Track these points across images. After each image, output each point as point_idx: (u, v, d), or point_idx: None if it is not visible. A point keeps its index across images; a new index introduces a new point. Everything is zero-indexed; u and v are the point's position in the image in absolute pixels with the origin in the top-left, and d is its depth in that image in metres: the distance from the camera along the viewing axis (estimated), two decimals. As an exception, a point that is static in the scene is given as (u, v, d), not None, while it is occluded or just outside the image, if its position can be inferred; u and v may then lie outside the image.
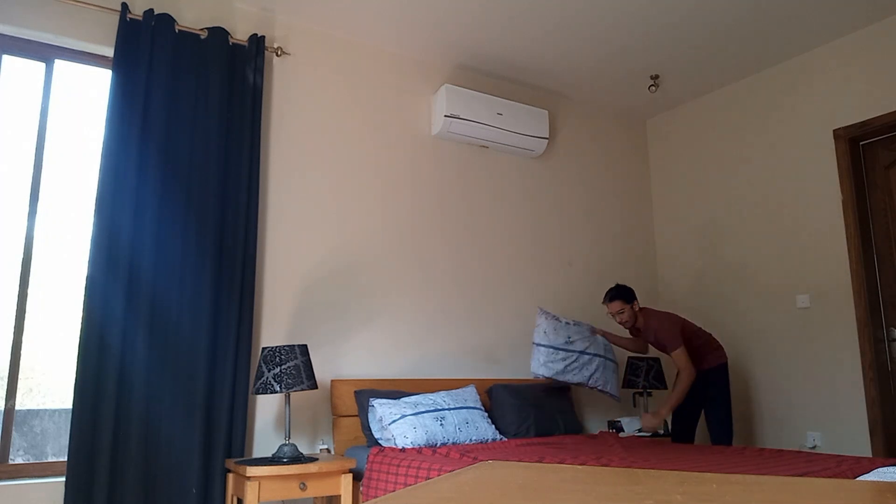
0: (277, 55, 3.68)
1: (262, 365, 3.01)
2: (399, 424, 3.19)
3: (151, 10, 3.23)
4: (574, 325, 3.85)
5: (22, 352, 2.95)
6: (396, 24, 3.85)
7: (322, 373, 3.53)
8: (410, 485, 1.96)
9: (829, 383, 3.90)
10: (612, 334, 4.04)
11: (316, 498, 3.32)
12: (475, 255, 4.21)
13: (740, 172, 4.52)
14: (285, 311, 3.48)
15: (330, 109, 3.83)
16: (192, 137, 3.27)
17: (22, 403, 3.00)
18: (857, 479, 2.14)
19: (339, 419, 3.45)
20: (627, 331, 4.08)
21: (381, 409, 3.26)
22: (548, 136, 4.43)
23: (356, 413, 3.49)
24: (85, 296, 2.88)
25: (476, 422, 3.41)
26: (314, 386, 3.03)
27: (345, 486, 2.93)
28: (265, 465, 2.76)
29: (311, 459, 2.94)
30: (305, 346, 3.10)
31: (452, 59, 4.25)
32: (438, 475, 1.58)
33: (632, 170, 5.12)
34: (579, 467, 1.22)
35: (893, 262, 3.77)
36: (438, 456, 2.95)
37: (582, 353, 3.75)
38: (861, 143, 3.95)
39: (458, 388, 3.77)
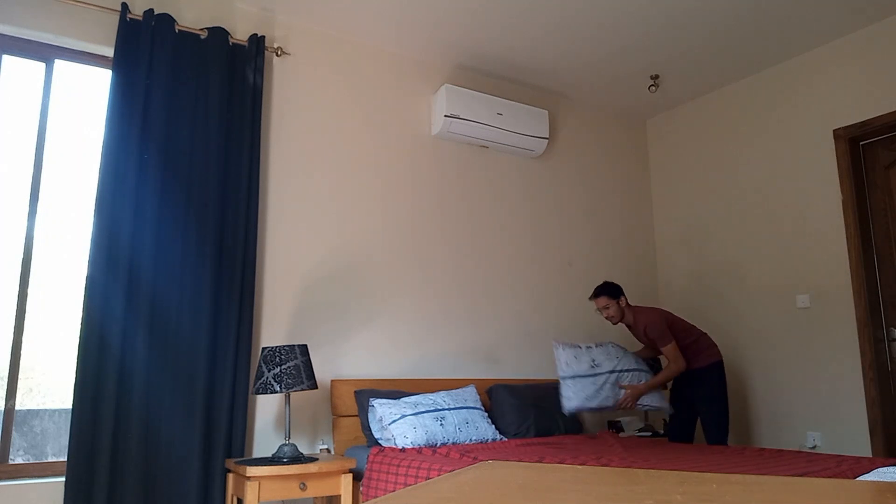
0: (277, 55, 3.68)
1: (262, 365, 3.01)
2: (399, 424, 3.19)
3: (151, 10, 3.23)
4: (596, 346, 3.75)
5: (22, 352, 2.95)
6: (396, 24, 3.85)
7: (322, 373, 3.53)
8: (410, 485, 1.96)
9: (829, 383, 3.91)
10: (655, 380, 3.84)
11: (316, 498, 3.32)
12: (475, 255, 4.21)
13: (740, 172, 4.52)
14: (285, 311, 3.48)
15: (330, 109, 3.83)
16: (192, 137, 3.27)
17: (22, 403, 3.00)
18: (857, 479, 2.14)
19: (339, 419, 3.45)
20: (642, 345, 4.05)
21: (381, 409, 3.26)
22: (548, 136, 4.43)
23: (356, 413, 3.49)
24: (85, 296, 2.88)
25: (476, 422, 3.41)
26: (314, 386, 3.03)
27: (345, 486, 2.93)
28: (265, 465, 2.76)
29: (311, 459, 2.94)
30: (305, 346, 3.10)
31: (452, 59, 4.25)
32: (438, 475, 1.58)
33: (632, 170, 5.12)
34: (579, 467, 1.22)
35: (893, 262, 3.77)
36: (438, 456, 2.95)
37: (611, 372, 3.62)
38: (861, 143, 3.95)
39: (458, 388, 3.77)
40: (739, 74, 4.49)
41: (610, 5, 3.66)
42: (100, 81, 3.38)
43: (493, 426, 3.55)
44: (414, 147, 4.11)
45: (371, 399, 3.36)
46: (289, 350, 3.02)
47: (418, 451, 3.06)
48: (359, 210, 3.83)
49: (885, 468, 2.43)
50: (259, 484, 2.75)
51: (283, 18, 3.76)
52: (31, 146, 3.13)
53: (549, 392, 4.00)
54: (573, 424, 3.95)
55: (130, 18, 3.20)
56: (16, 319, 2.96)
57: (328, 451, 3.32)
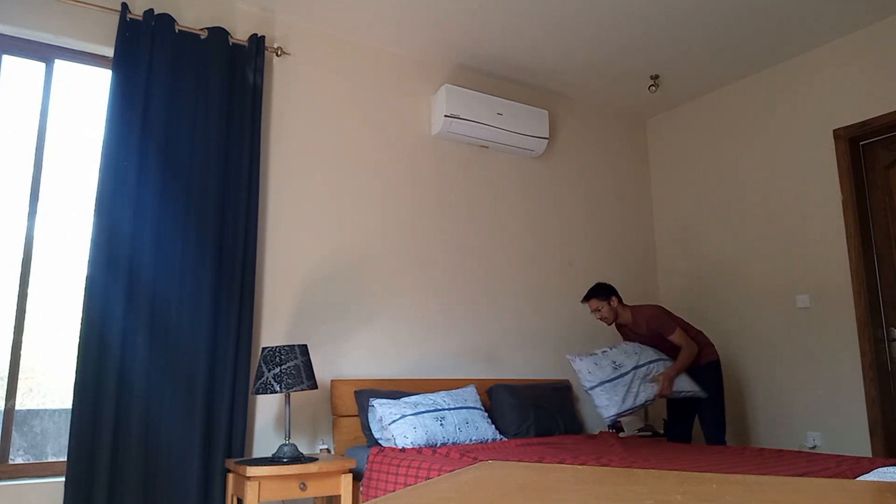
0: (277, 55, 3.68)
1: (262, 365, 3.01)
2: (399, 424, 3.19)
3: (151, 10, 3.23)
4: (612, 348, 3.68)
5: (22, 352, 2.95)
6: (396, 24, 3.85)
7: (322, 373, 3.53)
8: (410, 485, 1.96)
9: (829, 383, 3.91)
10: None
11: (316, 498, 3.32)
12: (475, 255, 4.21)
13: (740, 172, 4.52)
14: (285, 311, 3.48)
15: (330, 109, 3.83)
16: (192, 137, 3.27)
17: (22, 403, 3.00)
18: (857, 479, 2.14)
19: (339, 419, 3.45)
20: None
21: (381, 409, 3.26)
22: (548, 136, 4.43)
23: (356, 413, 3.49)
24: (85, 296, 2.88)
25: (476, 422, 3.41)
26: (314, 386, 3.03)
27: (345, 486, 2.93)
28: (265, 465, 2.76)
29: (311, 459, 2.94)
30: (305, 346, 3.10)
31: (452, 59, 4.25)
32: (438, 475, 1.58)
33: (632, 170, 5.12)
34: (579, 467, 1.22)
35: (893, 262, 3.77)
36: (438, 456, 2.95)
37: (636, 368, 3.53)
38: (861, 143, 3.95)
39: (458, 388, 3.77)
40: (739, 74, 4.49)
41: (610, 5, 3.66)
42: (100, 81, 3.38)
43: (493, 426, 3.55)
44: (414, 147, 4.11)
45: (371, 399, 3.36)
46: (289, 350, 3.02)
47: (418, 451, 3.06)
48: (359, 210, 3.83)
49: (885, 468, 2.43)
50: (259, 484, 2.75)
51: (283, 18, 3.76)
52: (31, 146, 3.13)
53: (548, 392, 4.00)
54: (573, 424, 3.95)
55: (130, 18, 3.20)
56: (16, 319, 2.96)
57: (328, 451, 3.32)
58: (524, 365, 4.27)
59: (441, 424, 3.28)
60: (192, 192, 3.23)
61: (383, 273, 3.84)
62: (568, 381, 4.31)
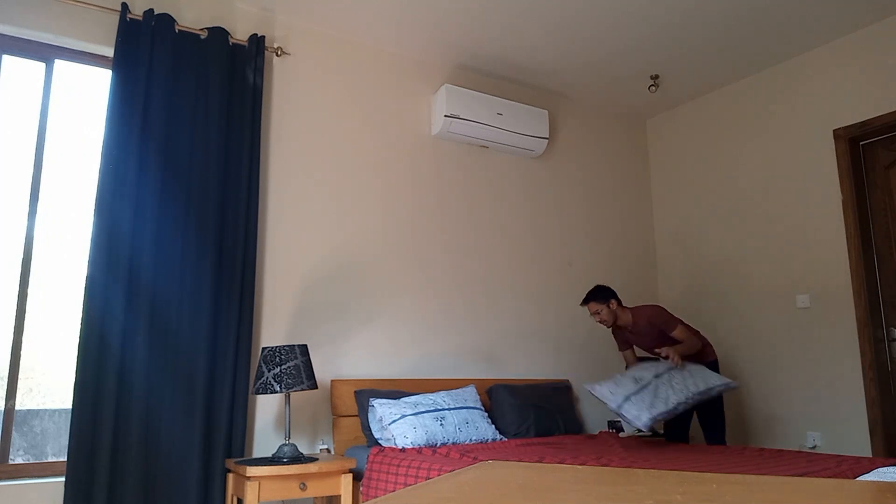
0: (277, 55, 3.68)
1: (262, 365, 3.01)
2: (399, 424, 3.19)
3: (151, 10, 3.23)
4: (627, 368, 3.63)
5: (22, 352, 2.95)
6: (396, 24, 3.85)
7: (322, 373, 3.53)
8: (410, 485, 1.96)
9: (829, 383, 3.90)
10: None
11: (316, 498, 3.32)
12: (475, 255, 4.21)
13: (740, 172, 4.52)
14: (285, 311, 3.48)
15: (330, 109, 3.83)
16: (192, 137, 3.27)
17: (22, 403, 3.00)
18: (857, 479, 2.14)
19: (339, 419, 3.45)
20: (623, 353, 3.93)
21: (381, 409, 3.26)
22: (548, 136, 4.43)
23: (356, 413, 3.49)
24: (85, 296, 2.88)
25: (476, 422, 3.41)
26: (314, 386, 3.03)
27: (345, 486, 2.93)
28: (265, 465, 2.76)
29: (311, 459, 2.94)
30: (305, 346, 3.10)
31: (452, 59, 4.25)
32: (438, 475, 1.58)
33: (632, 170, 5.12)
34: (579, 467, 1.22)
35: (893, 262, 3.77)
36: (438, 456, 2.95)
37: (657, 376, 3.42)
38: (861, 143, 3.95)
39: (458, 388, 3.77)
40: (739, 74, 4.49)
41: (610, 5, 3.66)
42: (100, 81, 3.38)
43: (493, 426, 3.55)
44: (414, 147, 4.11)
45: (371, 399, 3.36)
46: (289, 350, 3.02)
47: (418, 451, 3.06)
48: (359, 210, 3.83)
49: (885, 468, 2.43)
50: (259, 484, 2.75)
51: (283, 18, 3.76)
52: (31, 146, 3.13)
53: (548, 392, 4.00)
54: (573, 424, 3.95)
55: (130, 18, 3.20)
56: (16, 319, 2.96)
57: (328, 451, 3.32)
58: (524, 365, 4.27)
59: (441, 424, 3.28)
60: (192, 192, 3.23)
61: (383, 273, 3.84)
62: (568, 381, 4.31)
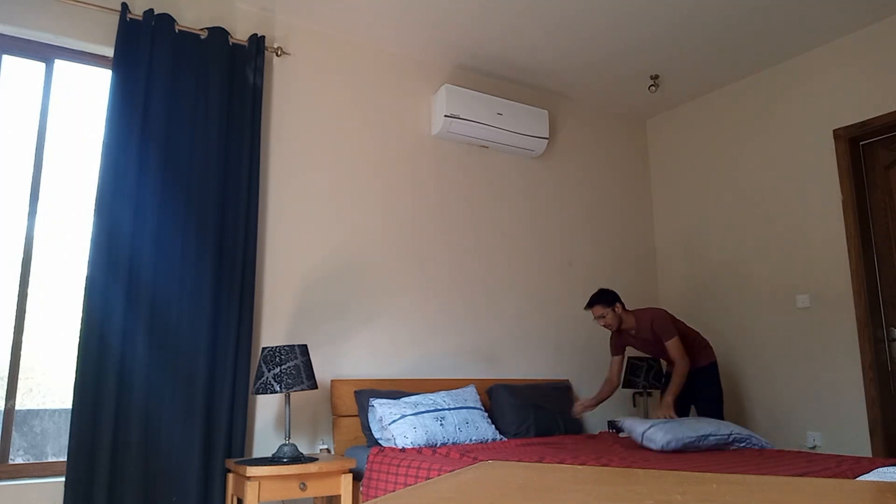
0: (277, 55, 3.68)
1: (262, 365, 3.01)
2: (399, 424, 3.19)
3: (151, 10, 3.23)
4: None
5: (22, 352, 2.95)
6: (396, 24, 3.85)
7: (322, 373, 3.53)
8: (410, 485, 1.96)
9: (829, 383, 3.90)
10: (591, 399, 3.79)
11: (316, 498, 3.32)
12: (475, 255, 4.21)
13: (740, 172, 4.52)
14: (285, 311, 3.48)
15: (330, 109, 3.83)
16: (192, 137, 3.27)
17: (22, 403, 3.00)
18: (857, 479, 2.14)
19: (339, 419, 3.45)
20: (603, 388, 3.84)
21: (381, 409, 3.26)
22: (548, 136, 4.43)
23: (356, 413, 3.49)
24: (85, 296, 2.88)
25: (476, 422, 3.41)
26: (314, 386, 3.03)
27: (345, 486, 2.93)
28: (265, 465, 2.76)
29: (311, 459, 2.94)
30: (305, 346, 3.10)
31: (452, 59, 4.25)
32: (438, 475, 1.58)
33: (632, 170, 5.12)
34: (579, 467, 1.22)
35: (893, 262, 3.77)
36: (438, 456, 2.95)
37: (683, 419, 3.25)
38: (861, 143, 3.95)
39: (458, 388, 3.77)
40: (739, 74, 4.49)
41: (610, 5, 3.66)
42: (100, 81, 3.38)
43: (493, 426, 3.55)
44: (414, 147, 4.11)
45: (371, 399, 3.36)
46: (289, 350, 3.02)
47: (418, 451, 3.06)
48: (359, 210, 3.83)
49: (885, 468, 2.43)
50: (259, 484, 2.75)
51: (283, 18, 3.76)
52: (31, 146, 3.13)
53: (548, 392, 4.00)
54: (573, 424, 3.95)
55: (130, 18, 3.20)
56: (16, 319, 2.96)
57: (328, 451, 3.32)
58: (524, 365, 4.27)
59: (441, 424, 3.28)
60: (192, 192, 3.23)
61: (383, 273, 3.84)
62: (568, 381, 4.31)
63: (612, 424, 4.16)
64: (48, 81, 3.19)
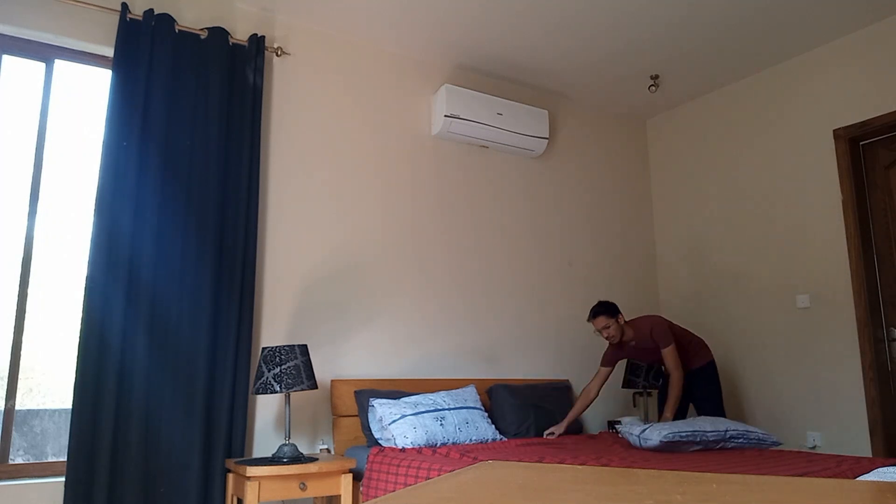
0: (277, 55, 3.68)
1: (262, 365, 3.01)
2: (399, 424, 3.19)
3: (151, 10, 3.23)
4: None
5: (22, 352, 2.95)
6: (396, 24, 3.85)
7: (322, 373, 3.53)
8: (410, 485, 1.96)
9: (829, 383, 3.90)
10: (563, 422, 3.72)
11: (316, 498, 3.32)
12: (475, 255, 4.21)
13: (740, 172, 4.52)
14: (285, 311, 3.48)
15: (330, 109, 3.83)
16: (192, 137, 3.27)
17: (22, 403, 3.00)
18: (857, 479, 2.14)
19: (339, 419, 3.45)
20: (577, 403, 3.79)
21: (381, 409, 3.26)
22: (548, 136, 4.43)
23: (356, 413, 3.49)
24: (85, 296, 2.88)
25: (476, 422, 3.41)
26: (314, 386, 3.03)
27: (345, 486, 2.93)
28: (265, 465, 2.76)
29: (311, 459, 2.94)
30: (305, 346, 3.10)
31: (452, 59, 4.25)
32: (438, 475, 1.58)
33: (632, 170, 5.12)
34: (579, 467, 1.22)
35: (893, 262, 3.77)
36: (438, 456, 2.95)
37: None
38: (861, 143, 3.95)
39: (458, 388, 3.77)
40: (739, 74, 4.49)
41: (610, 5, 3.66)
42: (100, 81, 3.38)
43: (493, 426, 3.55)
44: (414, 147, 4.11)
45: (371, 399, 3.36)
46: (289, 350, 3.02)
47: (418, 451, 3.06)
48: (359, 210, 3.83)
49: (885, 468, 2.43)
50: (259, 484, 2.75)
51: (283, 18, 3.76)
52: (31, 146, 3.13)
53: (548, 392, 4.00)
54: (573, 424, 3.95)
55: (130, 18, 3.20)
56: (16, 319, 2.96)
57: (328, 451, 3.32)
58: (524, 365, 4.27)
59: (441, 424, 3.28)
60: (192, 192, 3.23)
61: (383, 273, 3.84)
62: (568, 381, 4.31)
63: (612, 424, 4.16)
64: (48, 81, 3.19)
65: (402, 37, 3.99)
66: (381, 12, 3.72)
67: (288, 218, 3.58)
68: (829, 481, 1.05)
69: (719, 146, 4.68)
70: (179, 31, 3.32)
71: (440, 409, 3.36)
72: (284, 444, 2.94)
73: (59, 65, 3.25)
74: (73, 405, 2.80)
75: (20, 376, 2.94)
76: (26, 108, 3.17)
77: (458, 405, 3.45)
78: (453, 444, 3.27)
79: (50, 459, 3.02)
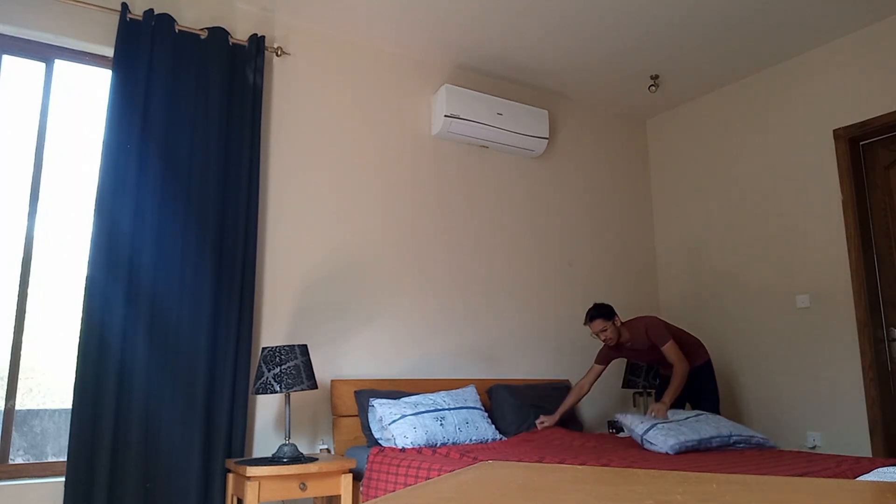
0: (277, 55, 3.68)
1: (262, 365, 3.01)
2: (399, 424, 3.19)
3: (151, 10, 3.23)
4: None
5: (22, 352, 2.95)
6: (396, 24, 3.85)
7: (322, 373, 3.53)
8: (410, 485, 1.96)
9: (829, 383, 3.90)
10: (555, 413, 3.71)
11: (316, 498, 3.32)
12: (475, 255, 4.21)
13: (740, 172, 4.52)
14: (285, 311, 3.48)
15: (330, 109, 3.83)
16: (192, 137, 3.27)
17: (22, 403, 3.00)
18: (857, 479, 2.14)
19: (339, 419, 3.45)
20: (569, 396, 3.77)
21: (381, 409, 3.26)
22: (548, 136, 4.43)
23: (356, 413, 3.49)
24: (85, 296, 2.88)
25: (476, 422, 3.41)
26: (314, 386, 3.03)
27: (345, 486, 2.93)
28: (265, 465, 2.76)
29: (311, 459, 2.94)
30: (305, 346, 3.10)
31: (452, 59, 4.25)
32: (438, 475, 1.58)
33: (632, 170, 5.12)
34: (579, 467, 1.22)
35: (893, 262, 3.77)
36: (438, 456, 2.95)
37: (687, 419, 3.23)
38: (861, 143, 3.95)
39: (458, 388, 3.77)
40: (739, 74, 4.49)
41: (610, 5, 3.66)
42: (100, 81, 3.38)
43: (493, 426, 3.55)
44: (414, 147, 4.11)
45: (371, 399, 3.35)
46: (289, 350, 3.02)
47: (418, 451, 3.06)
48: (359, 210, 3.83)
49: (885, 468, 2.43)
50: (259, 484, 2.75)
51: (283, 18, 3.76)
52: (31, 146, 3.13)
53: (548, 392, 4.00)
54: (573, 424, 3.95)
55: (130, 18, 3.20)
56: (16, 319, 2.96)
57: (328, 451, 3.32)
58: (524, 365, 4.27)
59: (441, 424, 3.28)
60: (192, 192, 3.23)
61: (383, 273, 3.84)
62: (568, 381, 4.31)
63: (612, 424, 4.16)
64: (48, 81, 3.19)
65: (402, 37, 3.99)
66: (381, 12, 3.72)
67: (288, 218, 3.58)
68: (829, 481, 1.05)
69: (719, 146, 4.68)
70: (179, 31, 3.32)
71: (440, 409, 3.36)
72: (284, 444, 2.94)
73: (59, 65, 3.25)
74: (73, 405, 2.80)
75: (20, 376, 2.94)
76: (26, 108, 3.17)
77: (458, 405, 3.45)
78: (453, 444, 3.27)
79: (50, 459, 3.02)
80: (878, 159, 3.88)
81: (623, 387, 4.37)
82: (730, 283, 4.51)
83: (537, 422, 3.70)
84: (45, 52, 3.20)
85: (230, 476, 3.03)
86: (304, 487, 2.84)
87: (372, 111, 3.99)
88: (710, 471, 2.13)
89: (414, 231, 4.00)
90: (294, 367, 2.99)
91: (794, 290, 4.13)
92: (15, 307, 2.97)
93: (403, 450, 3.07)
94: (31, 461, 2.96)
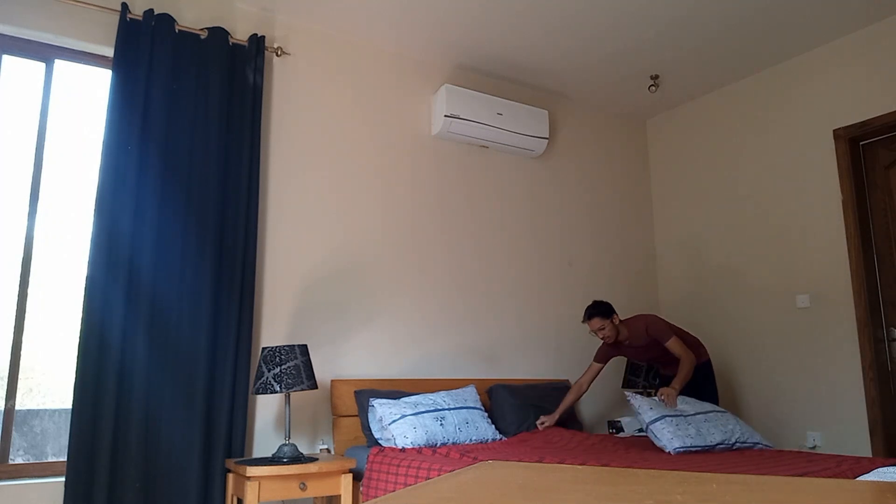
0: (277, 55, 3.68)
1: (262, 365, 3.01)
2: (399, 424, 3.19)
3: (151, 10, 3.23)
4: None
5: (22, 352, 2.95)
6: (396, 24, 3.85)
7: (322, 373, 3.53)
8: (410, 485, 1.96)
9: (829, 383, 3.90)
10: (555, 413, 3.71)
11: (316, 498, 3.32)
12: (475, 255, 4.21)
13: (740, 172, 4.52)
14: (285, 311, 3.48)
15: (330, 109, 3.83)
16: (192, 137, 3.27)
17: (22, 403, 3.00)
18: (857, 479, 2.14)
19: (339, 419, 3.45)
20: (569, 395, 3.76)
21: (381, 409, 3.26)
22: (548, 136, 4.43)
23: (356, 413, 3.49)
24: (85, 296, 2.88)
25: (476, 422, 3.41)
26: (314, 386, 3.03)
27: (345, 486, 2.93)
28: (265, 465, 2.76)
29: (311, 459, 2.94)
30: (305, 346, 3.10)
31: (452, 59, 4.25)
32: (438, 475, 1.58)
33: (632, 170, 5.12)
34: (579, 467, 1.22)
35: (893, 262, 3.77)
36: (438, 456, 2.95)
37: (696, 413, 3.22)
38: (861, 143, 3.95)
39: (458, 388, 3.77)
40: (739, 74, 4.49)
41: (610, 5, 3.66)
42: (100, 81, 3.38)
43: (493, 426, 3.55)
44: (414, 147, 4.11)
45: (371, 399, 3.35)
46: (289, 350, 3.02)
47: (418, 451, 3.06)
48: (359, 210, 3.83)
49: (885, 468, 2.43)
50: (259, 484, 2.75)
51: (283, 18, 3.76)
52: (31, 146, 3.13)
53: (548, 392, 4.00)
54: (573, 424, 3.95)
55: (130, 18, 3.20)
56: (16, 319, 2.96)
57: (328, 451, 3.32)
58: (524, 365, 4.27)
59: (441, 424, 3.28)
60: (192, 192, 3.23)
61: (383, 273, 3.84)
62: (568, 381, 4.31)
63: (612, 424, 4.16)
64: (48, 81, 3.19)
65: (402, 37, 3.99)
66: (381, 12, 3.72)
67: (288, 218, 3.58)
68: (829, 481, 1.05)
69: (719, 146, 4.68)
70: (179, 31, 3.32)
71: (440, 409, 3.36)
72: (284, 444, 2.94)
73: (59, 65, 3.25)
74: (73, 405, 2.80)
75: (20, 376, 2.94)
76: (26, 108, 3.17)
77: (458, 405, 3.45)
78: (453, 444, 3.27)
79: (50, 459, 3.02)
80: (878, 159, 3.88)
81: (623, 387, 4.37)
82: (730, 282, 4.51)
83: (537, 422, 3.70)
84: (45, 52, 3.20)
85: (230, 476, 3.03)
86: (304, 487, 2.84)
87: (372, 111, 3.99)
88: (710, 471, 2.13)
89: (414, 231, 4.00)
90: (294, 367, 2.99)
91: (794, 290, 4.13)
92: (15, 307, 2.97)
93: (403, 450, 3.07)
94: (31, 461, 2.96)
